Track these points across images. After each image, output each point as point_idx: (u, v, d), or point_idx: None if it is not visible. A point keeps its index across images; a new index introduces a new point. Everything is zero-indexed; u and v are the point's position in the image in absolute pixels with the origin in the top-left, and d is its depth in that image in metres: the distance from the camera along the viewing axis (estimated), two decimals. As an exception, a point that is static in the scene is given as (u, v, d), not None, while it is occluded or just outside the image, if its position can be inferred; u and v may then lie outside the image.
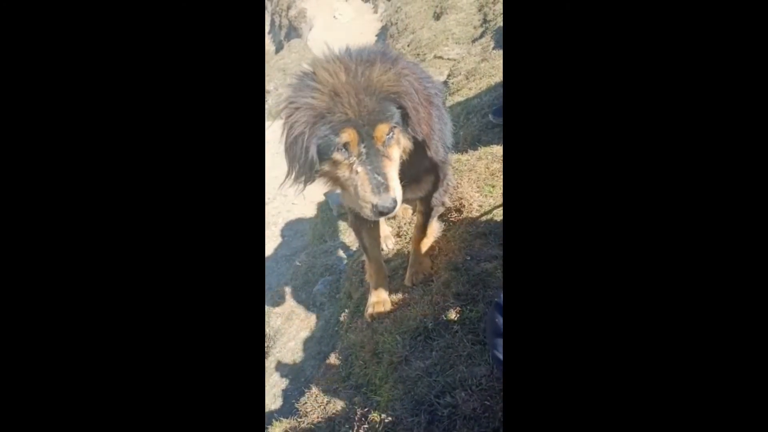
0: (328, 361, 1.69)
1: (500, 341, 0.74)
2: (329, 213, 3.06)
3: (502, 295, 0.78)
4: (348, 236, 2.68)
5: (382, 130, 0.93)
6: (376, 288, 1.60)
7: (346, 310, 1.96)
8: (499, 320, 0.75)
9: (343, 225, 2.81)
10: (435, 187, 1.34)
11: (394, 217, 2.11)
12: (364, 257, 1.58)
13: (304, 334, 2.38)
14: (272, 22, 7.36)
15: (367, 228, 1.50)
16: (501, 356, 0.74)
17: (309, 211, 3.85)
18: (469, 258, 1.57)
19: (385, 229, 2.06)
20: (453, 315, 1.40)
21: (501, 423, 1.03)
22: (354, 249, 2.50)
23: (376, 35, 5.94)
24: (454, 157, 2.02)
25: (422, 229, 1.56)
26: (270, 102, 5.36)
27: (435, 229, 1.63)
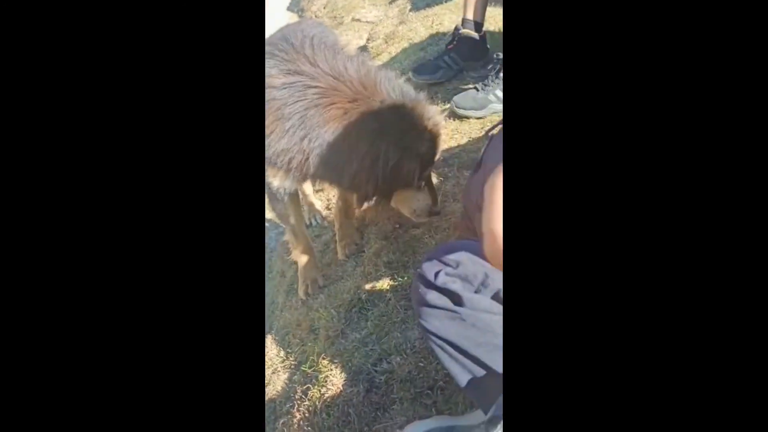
0: (265, 344, 1.66)
1: (424, 310, 0.75)
2: (256, 190, 2.92)
3: (424, 265, 0.79)
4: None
5: None
6: (305, 264, 1.57)
7: (281, 290, 1.92)
8: (422, 290, 0.76)
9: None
10: None
11: (322, 190, 2.06)
12: (288, 236, 1.54)
13: (241, 317, 2.30)
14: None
15: (292, 204, 1.45)
16: (427, 326, 0.75)
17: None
18: (398, 226, 1.58)
19: (316, 202, 2.01)
20: (385, 284, 1.41)
21: (435, 381, 1.07)
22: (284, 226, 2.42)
23: (291, -2, 5.62)
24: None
25: (346, 200, 1.54)
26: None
27: None
